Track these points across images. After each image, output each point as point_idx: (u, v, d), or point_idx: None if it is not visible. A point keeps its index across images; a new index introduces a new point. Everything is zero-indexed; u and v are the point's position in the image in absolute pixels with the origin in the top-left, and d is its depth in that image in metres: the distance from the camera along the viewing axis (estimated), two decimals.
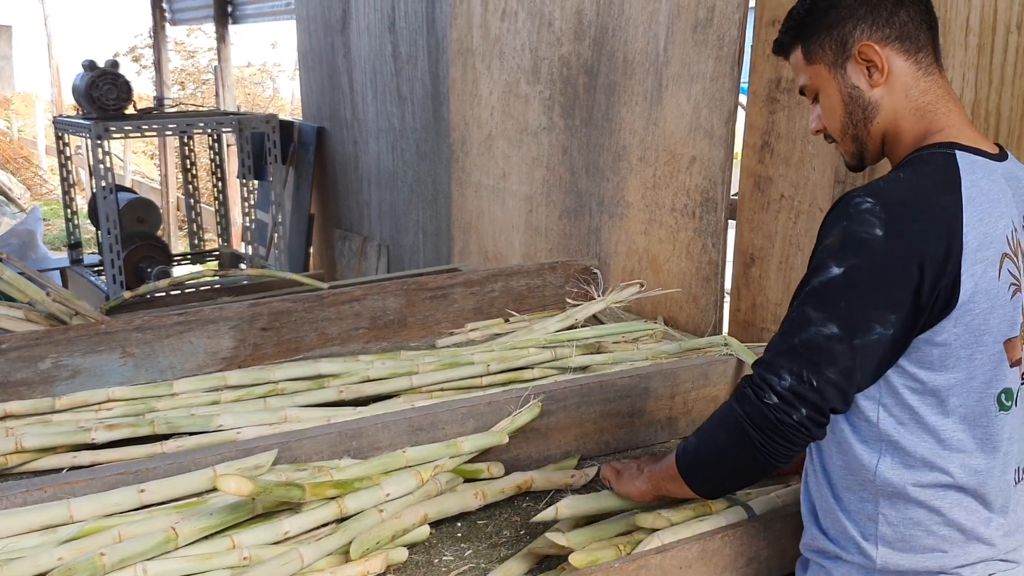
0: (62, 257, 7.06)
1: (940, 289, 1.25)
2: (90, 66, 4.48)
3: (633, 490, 1.60)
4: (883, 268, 1.24)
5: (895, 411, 1.31)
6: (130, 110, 4.57)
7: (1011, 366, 1.31)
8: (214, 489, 1.61)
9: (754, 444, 1.29)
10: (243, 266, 4.90)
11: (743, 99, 2.97)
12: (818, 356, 1.25)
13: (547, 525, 1.67)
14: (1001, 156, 1.38)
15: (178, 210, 9.43)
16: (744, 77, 2.91)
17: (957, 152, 1.32)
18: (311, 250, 6.18)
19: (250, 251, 5.24)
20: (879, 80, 1.39)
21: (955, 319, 1.26)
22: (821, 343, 1.24)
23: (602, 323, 2.93)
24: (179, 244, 8.72)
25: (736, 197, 2.99)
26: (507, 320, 3.04)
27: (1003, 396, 1.31)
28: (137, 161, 13.53)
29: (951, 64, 2.35)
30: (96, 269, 4.83)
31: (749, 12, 2.87)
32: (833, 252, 1.26)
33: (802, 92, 1.50)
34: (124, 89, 4.45)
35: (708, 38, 2.93)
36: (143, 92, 11.82)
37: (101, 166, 4.19)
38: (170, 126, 4.57)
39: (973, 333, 1.27)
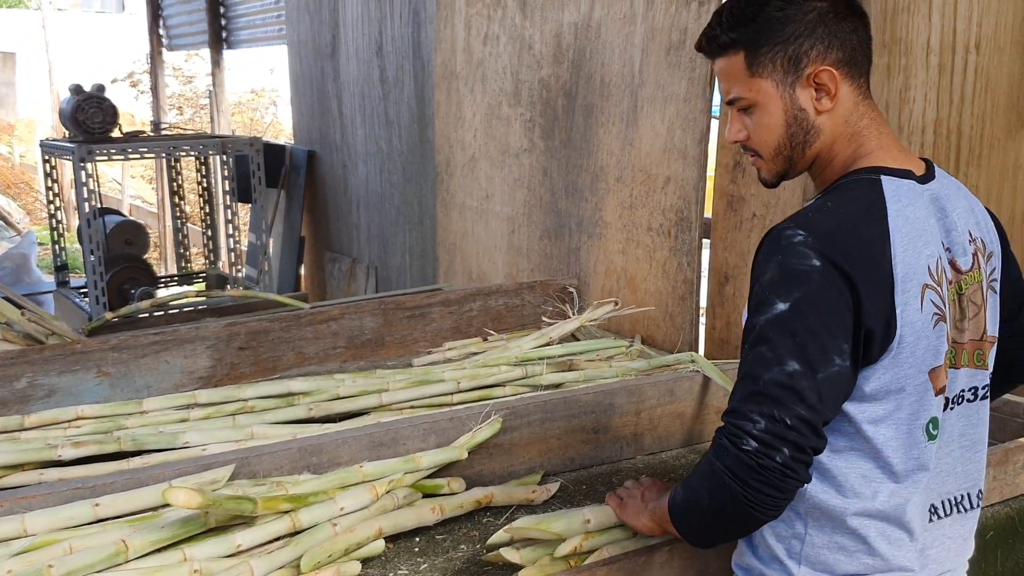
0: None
1: (876, 323, 1.24)
2: (76, 90, 4.53)
3: (640, 525, 1.54)
4: (828, 298, 1.22)
5: (829, 439, 1.29)
6: (116, 133, 4.62)
7: (936, 395, 1.32)
8: (169, 503, 1.62)
9: (738, 497, 1.22)
10: (228, 287, 4.93)
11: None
12: (785, 395, 1.21)
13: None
14: (928, 175, 1.37)
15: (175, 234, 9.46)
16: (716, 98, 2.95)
17: (883, 178, 1.31)
18: (302, 272, 6.22)
19: (241, 273, 5.27)
20: (827, 106, 1.34)
21: (892, 353, 1.26)
22: (785, 381, 1.21)
23: (578, 342, 2.94)
24: (174, 267, 8.74)
25: (710, 216, 3.02)
26: (485, 339, 3.06)
27: (930, 425, 1.32)
28: (136, 186, 13.60)
29: (913, 83, 2.39)
30: (82, 291, 4.86)
31: None
32: (774, 287, 1.24)
33: (730, 102, 1.41)
34: (110, 112, 4.50)
35: (681, 60, 2.96)
36: (142, 117, 11.90)
37: (85, 188, 4.23)
38: (155, 149, 4.62)
39: (902, 366, 1.28)
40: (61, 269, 5.03)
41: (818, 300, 1.22)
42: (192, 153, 4.83)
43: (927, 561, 1.37)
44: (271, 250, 5.81)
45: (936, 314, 1.30)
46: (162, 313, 3.64)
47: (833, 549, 1.33)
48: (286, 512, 1.58)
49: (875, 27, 2.45)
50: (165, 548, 1.49)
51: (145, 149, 4.55)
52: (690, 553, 1.55)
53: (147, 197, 12.88)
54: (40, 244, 8.84)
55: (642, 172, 3.18)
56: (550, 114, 3.64)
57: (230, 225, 4.76)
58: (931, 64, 2.34)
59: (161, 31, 8.73)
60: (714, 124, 3.00)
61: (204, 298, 3.94)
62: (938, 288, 1.30)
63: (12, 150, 15.59)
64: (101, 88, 4.61)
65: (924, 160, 1.40)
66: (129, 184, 12.20)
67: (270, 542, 1.56)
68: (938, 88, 2.34)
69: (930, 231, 1.32)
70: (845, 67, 1.34)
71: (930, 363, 1.30)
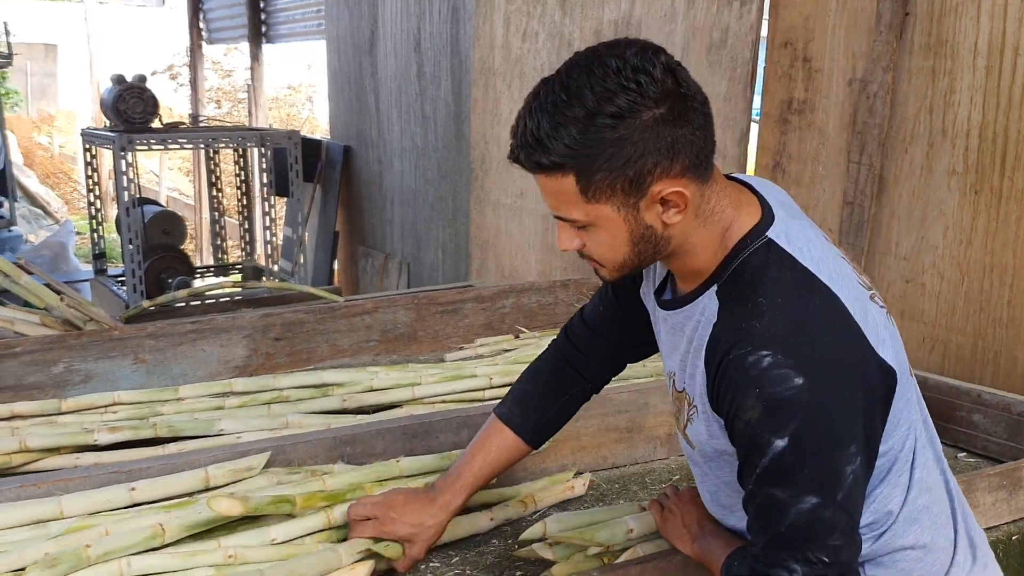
0: (91, 270, 7.19)
1: (877, 391, 1.18)
2: (118, 80, 4.59)
3: (682, 549, 1.48)
4: (825, 415, 1.13)
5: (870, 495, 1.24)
6: (156, 124, 4.67)
7: (910, 375, 1.30)
8: (204, 489, 1.64)
9: None
10: (264, 279, 4.98)
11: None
12: (813, 532, 1.14)
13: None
14: (763, 199, 1.27)
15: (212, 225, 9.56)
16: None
17: (769, 237, 1.21)
18: (335, 266, 6.25)
19: (277, 266, 5.31)
20: (675, 219, 1.19)
21: (896, 386, 1.20)
22: (807, 519, 1.14)
23: None
24: (210, 259, 8.83)
25: None
26: (517, 336, 3.05)
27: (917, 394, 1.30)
28: (173, 178, 13.75)
29: (959, 86, 2.35)
30: (120, 280, 4.92)
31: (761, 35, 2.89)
32: (764, 425, 1.13)
33: (560, 217, 1.23)
34: (150, 103, 4.55)
35: (722, 59, 2.95)
36: (180, 110, 12.02)
37: (124, 177, 4.28)
38: (194, 140, 4.66)
39: (900, 382, 1.22)
40: (99, 257, 5.09)
41: (817, 424, 1.12)
42: (231, 145, 4.87)
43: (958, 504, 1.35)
44: (297, 244, 5.86)
45: (887, 312, 1.27)
46: (198, 303, 3.68)
47: (898, 574, 1.29)
48: (322, 508, 1.58)
49: (921, 29, 2.42)
50: (200, 535, 1.50)
51: (184, 140, 4.60)
52: None
53: (184, 189, 13.01)
54: (78, 233, 8.97)
55: None
56: None
57: (267, 217, 4.80)
58: (978, 67, 2.30)
59: (201, 25, 8.81)
60: (753, 127, 2.98)
61: (240, 289, 3.97)
62: (871, 290, 1.27)
63: (52, 140, 15.82)
64: (143, 79, 4.66)
65: (735, 179, 1.30)
66: (166, 176, 12.33)
67: (304, 536, 1.56)
68: (984, 91, 2.30)
69: (832, 250, 1.26)
70: (692, 171, 1.17)
71: (904, 354, 1.27)
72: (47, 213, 11.86)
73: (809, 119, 2.72)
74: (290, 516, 1.55)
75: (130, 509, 1.55)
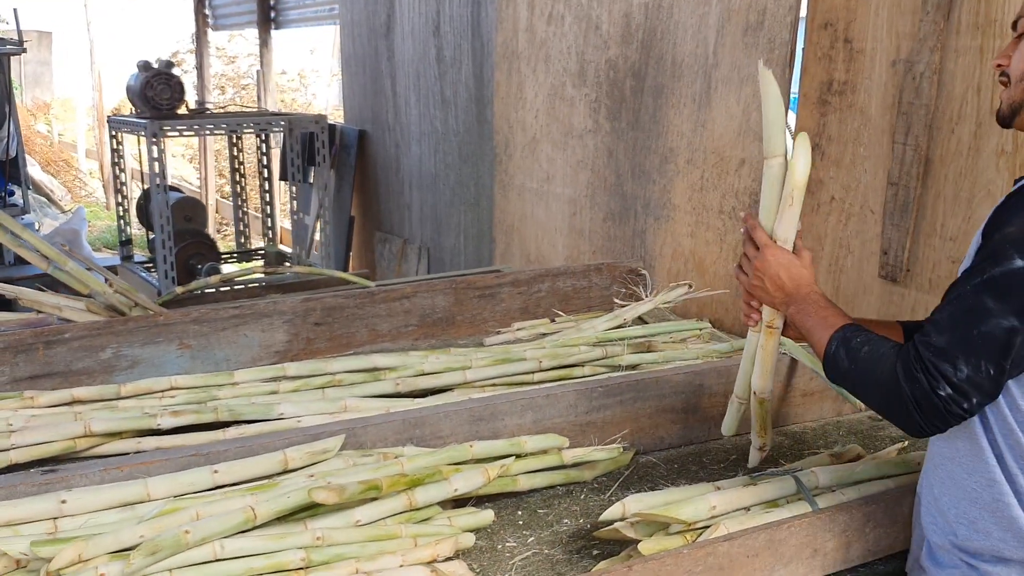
0: (105, 257, 7.18)
1: None
2: (145, 66, 4.57)
3: (768, 303, 1.62)
4: None
5: None
6: (182, 110, 4.66)
7: None
8: (283, 471, 1.65)
9: (914, 423, 1.30)
10: (288, 264, 4.97)
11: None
12: (996, 348, 1.24)
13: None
14: None
15: (216, 212, 9.55)
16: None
17: None
18: (351, 252, 6.24)
19: (295, 251, 5.31)
20: None
21: None
22: (1000, 336, 1.24)
23: (648, 324, 2.94)
24: (219, 245, 8.81)
25: None
26: (553, 320, 3.06)
27: None
28: (174, 164, 13.70)
29: None
30: (146, 266, 4.92)
31: (800, 16, 2.88)
32: (1016, 243, 1.24)
33: (1015, 24, 1.43)
34: (178, 89, 4.54)
35: (759, 41, 2.94)
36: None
37: (156, 164, 4.27)
38: (221, 126, 4.65)
39: None
40: (126, 244, 5.09)
41: None
42: (258, 130, 4.86)
43: None
44: (320, 229, 5.84)
45: None
46: (227, 288, 3.68)
47: None
48: (403, 491, 1.59)
49: (968, 8, 2.42)
50: (285, 517, 1.51)
51: (212, 126, 4.59)
52: (808, 532, 1.54)
53: (186, 176, 12.97)
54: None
55: (715, 154, 3.15)
56: (617, 95, 3.62)
57: (295, 202, 4.79)
58: None
59: (207, 11, 8.76)
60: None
61: (271, 274, 3.96)
62: None
63: (51, 128, 15.73)
64: (169, 65, 4.64)
65: None
66: (169, 162, 12.28)
67: (387, 517, 1.58)
68: None
69: None
70: None
71: None
72: (51, 201, 11.82)
73: (850, 100, 2.72)
74: (373, 498, 1.56)
75: (216, 492, 1.56)
